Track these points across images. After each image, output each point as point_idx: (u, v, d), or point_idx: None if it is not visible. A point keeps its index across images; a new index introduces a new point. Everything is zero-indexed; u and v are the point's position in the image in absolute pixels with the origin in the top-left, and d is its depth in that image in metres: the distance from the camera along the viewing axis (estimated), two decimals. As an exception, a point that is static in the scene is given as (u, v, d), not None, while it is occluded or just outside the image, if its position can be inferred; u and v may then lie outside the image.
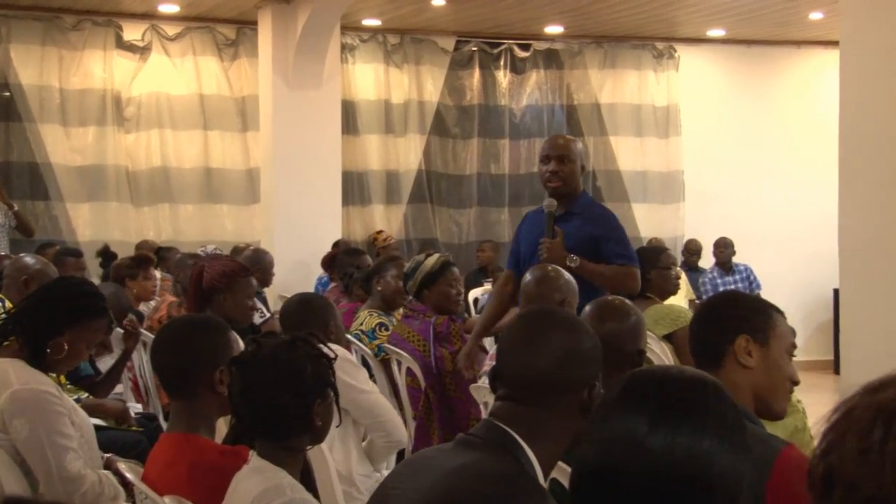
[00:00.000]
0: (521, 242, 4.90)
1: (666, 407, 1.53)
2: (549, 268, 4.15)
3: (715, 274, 10.51)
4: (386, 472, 3.19)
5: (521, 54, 11.23)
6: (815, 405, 2.41)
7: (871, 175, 4.07)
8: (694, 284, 10.16)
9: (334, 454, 3.62)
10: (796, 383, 2.50)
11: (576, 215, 4.71)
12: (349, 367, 3.95)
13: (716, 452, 1.50)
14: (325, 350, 2.51)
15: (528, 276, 4.13)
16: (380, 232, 10.46)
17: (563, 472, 2.35)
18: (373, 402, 4.04)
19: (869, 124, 4.08)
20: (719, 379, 2.34)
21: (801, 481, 0.95)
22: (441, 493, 1.90)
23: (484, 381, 4.05)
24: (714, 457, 1.49)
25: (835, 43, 4.62)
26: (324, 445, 2.79)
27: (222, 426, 3.09)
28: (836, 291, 6.02)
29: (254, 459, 2.44)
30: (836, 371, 7.91)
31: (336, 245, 8.97)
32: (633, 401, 1.55)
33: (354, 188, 10.66)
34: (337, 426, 2.58)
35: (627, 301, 3.32)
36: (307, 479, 2.55)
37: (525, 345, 2.14)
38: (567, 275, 4.09)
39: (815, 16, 10.04)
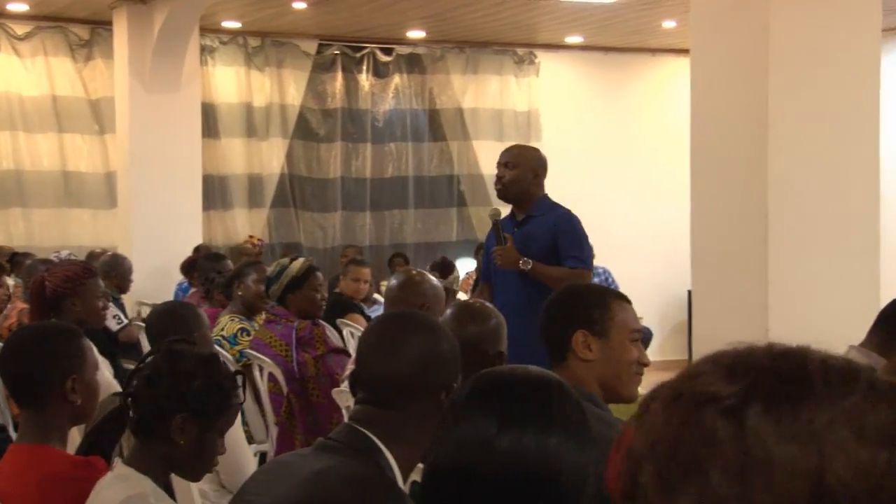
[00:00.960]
0: (487, 252, 5.07)
1: (512, 408, 1.56)
2: (414, 272, 4.17)
3: (575, 276, 10.70)
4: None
5: (384, 58, 11.23)
6: (671, 404, 2.47)
7: (720, 179, 4.21)
8: (555, 287, 10.33)
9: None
10: (645, 365, 2.55)
11: (534, 218, 4.90)
12: None
13: (563, 450, 1.54)
14: (235, 395, 2.45)
15: (392, 281, 4.14)
16: (251, 236, 10.34)
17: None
18: (232, 438, 3.84)
19: (718, 130, 4.21)
20: (564, 372, 2.43)
21: None
22: (299, 499, 1.89)
23: (345, 386, 4.03)
24: (561, 455, 1.54)
25: (687, 51, 4.75)
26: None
27: (76, 436, 3.00)
28: (690, 293, 6.19)
29: (119, 467, 2.39)
30: (691, 369, 8.12)
31: (197, 250, 8.81)
32: (481, 403, 1.58)
33: (216, 192, 10.48)
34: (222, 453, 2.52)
35: (488, 304, 3.37)
36: (166, 488, 2.50)
37: (383, 348, 2.15)
38: (432, 280, 4.12)
39: (669, 24, 10.31)
